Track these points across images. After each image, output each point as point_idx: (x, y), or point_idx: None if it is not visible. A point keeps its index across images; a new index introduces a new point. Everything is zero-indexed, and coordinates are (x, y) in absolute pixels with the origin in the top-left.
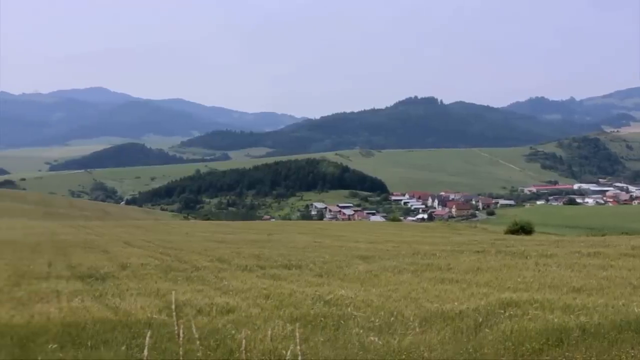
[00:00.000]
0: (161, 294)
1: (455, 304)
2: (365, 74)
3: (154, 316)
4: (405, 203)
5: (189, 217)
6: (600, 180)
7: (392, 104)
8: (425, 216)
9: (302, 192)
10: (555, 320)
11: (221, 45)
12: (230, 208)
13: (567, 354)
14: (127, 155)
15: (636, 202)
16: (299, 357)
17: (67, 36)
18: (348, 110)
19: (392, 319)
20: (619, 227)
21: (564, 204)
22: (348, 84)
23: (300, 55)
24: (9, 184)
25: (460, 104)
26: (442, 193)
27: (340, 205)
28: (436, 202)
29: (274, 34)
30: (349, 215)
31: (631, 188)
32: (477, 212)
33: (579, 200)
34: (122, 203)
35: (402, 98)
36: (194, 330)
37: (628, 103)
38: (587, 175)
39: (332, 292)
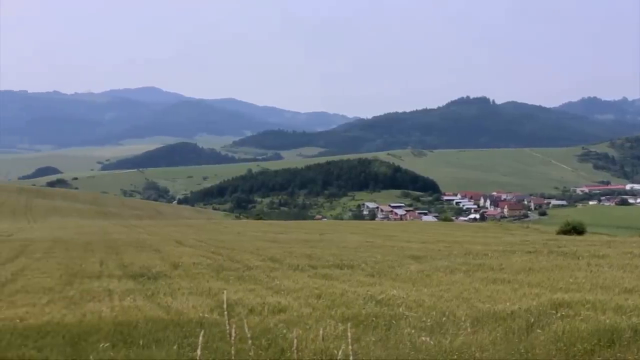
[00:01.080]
0: (213, 293)
1: (507, 304)
2: (418, 74)
3: (206, 315)
4: (457, 203)
5: (241, 216)
6: None
7: (444, 103)
8: (477, 216)
9: (354, 191)
10: (607, 321)
11: (274, 46)
12: (282, 208)
13: (618, 354)
14: (180, 154)
15: None
16: (351, 357)
17: (123, 39)
18: (400, 110)
19: (444, 319)
20: None
21: (616, 204)
22: (400, 83)
23: (352, 55)
24: (61, 183)
25: (513, 104)
26: (494, 193)
27: (392, 205)
28: (488, 202)
29: (327, 34)
30: (400, 215)
31: None
32: (529, 212)
33: (631, 201)
34: (174, 202)
35: (454, 98)
36: (247, 330)
37: None
38: None
39: (384, 292)
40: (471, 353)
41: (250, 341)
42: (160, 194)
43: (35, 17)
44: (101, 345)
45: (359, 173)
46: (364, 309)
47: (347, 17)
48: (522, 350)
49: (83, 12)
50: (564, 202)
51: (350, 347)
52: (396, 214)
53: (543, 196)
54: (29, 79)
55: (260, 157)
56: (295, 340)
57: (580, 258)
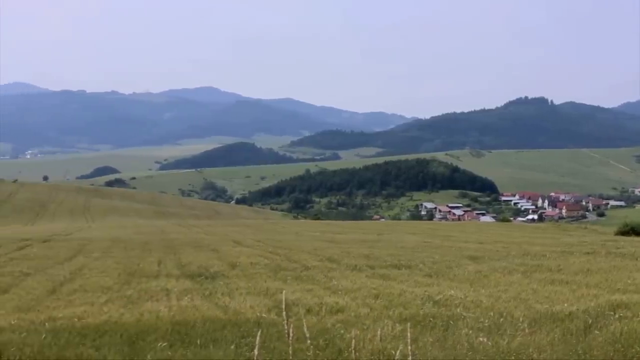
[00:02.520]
0: (270, 293)
1: (565, 305)
2: (476, 74)
3: (263, 315)
4: (515, 203)
5: (299, 216)
6: None
7: (502, 104)
8: (535, 217)
9: (412, 192)
10: None
11: (331, 46)
12: (340, 208)
13: None
14: (237, 154)
15: None
16: (409, 357)
17: (181, 39)
18: (458, 111)
19: (502, 319)
20: None
21: None
22: (458, 84)
23: (411, 56)
24: (119, 183)
25: (571, 104)
26: (552, 194)
27: (450, 205)
28: (546, 202)
29: (385, 35)
30: (458, 216)
31: None
32: (587, 213)
33: None
34: (232, 202)
35: (513, 98)
36: (305, 330)
37: None
38: None
39: (442, 293)
40: (529, 354)
41: (309, 341)
42: (218, 194)
43: (93, 17)
44: (159, 345)
45: (417, 173)
46: (421, 309)
47: (406, 19)
48: (580, 352)
49: (141, 13)
50: (622, 203)
51: (409, 347)
52: (454, 214)
53: (601, 197)
54: (88, 79)
55: (318, 157)
56: (353, 341)
57: (638, 259)
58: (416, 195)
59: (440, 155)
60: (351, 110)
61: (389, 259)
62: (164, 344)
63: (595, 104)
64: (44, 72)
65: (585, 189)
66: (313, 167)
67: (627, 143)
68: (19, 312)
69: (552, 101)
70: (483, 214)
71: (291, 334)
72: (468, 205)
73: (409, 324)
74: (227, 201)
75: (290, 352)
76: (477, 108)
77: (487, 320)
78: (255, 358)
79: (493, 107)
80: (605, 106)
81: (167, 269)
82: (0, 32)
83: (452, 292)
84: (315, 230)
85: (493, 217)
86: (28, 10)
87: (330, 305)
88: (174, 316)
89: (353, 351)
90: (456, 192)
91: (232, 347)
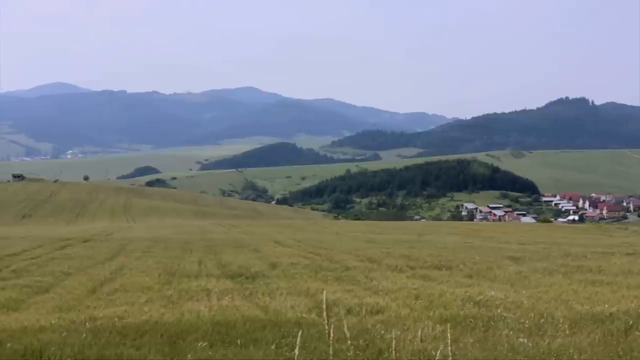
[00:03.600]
0: (311, 294)
1: (606, 306)
2: (517, 75)
3: (304, 315)
4: (556, 204)
5: (339, 217)
6: None
7: (543, 104)
8: (576, 217)
9: (453, 192)
10: None
11: (373, 46)
12: (380, 208)
13: None
14: (278, 154)
15: None
16: (450, 358)
17: (222, 38)
18: (499, 111)
19: (542, 320)
20: None
21: None
22: (499, 84)
23: (452, 56)
24: (160, 183)
25: (612, 104)
26: (593, 194)
27: (491, 206)
28: (587, 203)
29: (427, 35)
30: (499, 216)
31: None
32: (628, 214)
33: None
34: (272, 202)
35: (553, 99)
36: (346, 330)
37: None
38: None
39: (482, 293)
40: (569, 355)
41: (349, 341)
42: (259, 194)
43: (135, 17)
44: (199, 345)
45: (457, 174)
46: (462, 310)
47: (447, 19)
48: (621, 353)
49: (182, 13)
50: None
51: (449, 347)
52: (495, 214)
53: None
54: (129, 79)
55: (358, 158)
56: (393, 341)
57: None
58: (457, 195)
59: (481, 156)
60: (392, 110)
61: (430, 259)
62: (205, 343)
63: (637, 104)
64: (86, 72)
65: (626, 189)
66: (354, 168)
67: None
68: (59, 312)
69: (593, 102)
70: (524, 215)
71: (332, 335)
72: (509, 206)
73: (449, 325)
74: (268, 201)
75: (331, 352)
76: (518, 108)
77: (527, 321)
78: (295, 358)
79: (534, 107)
80: None
81: (208, 269)
82: (42, 33)
83: (493, 292)
84: (356, 230)
85: (534, 217)
86: (69, 11)
87: (370, 306)
88: (214, 316)
89: (393, 352)
90: (497, 192)
91: (273, 347)
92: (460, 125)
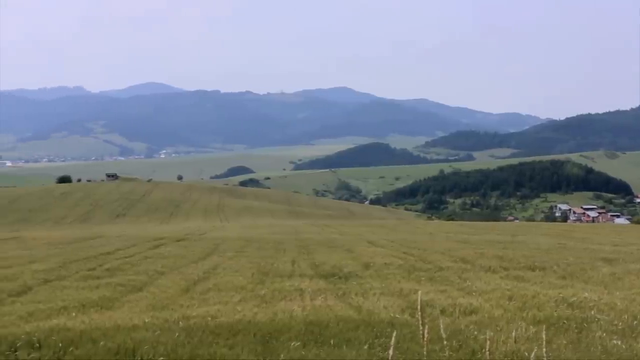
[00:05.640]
0: (404, 294)
1: None
2: (611, 75)
3: (397, 316)
4: None
5: (433, 217)
6: None
7: (637, 104)
8: None
9: (546, 193)
10: None
11: (466, 46)
12: (474, 209)
13: None
14: (372, 154)
15: None
16: (544, 359)
17: (315, 39)
18: (593, 111)
19: (636, 322)
20: None
21: None
22: (593, 84)
23: (546, 56)
24: (253, 182)
25: None
26: None
27: (584, 207)
28: None
29: (521, 35)
30: (593, 218)
31: None
32: None
33: None
34: (366, 202)
35: None
36: (442, 331)
37: None
38: None
39: (576, 295)
40: None
41: (445, 342)
42: (352, 194)
43: (228, 17)
44: (292, 344)
45: (551, 174)
46: (555, 311)
47: (540, 19)
48: None
49: (276, 13)
50: None
51: (543, 349)
52: (588, 216)
53: None
54: (222, 79)
55: (452, 158)
56: (487, 342)
57: None
58: (550, 196)
59: (575, 157)
60: (485, 110)
61: (523, 260)
62: (297, 343)
63: None
64: (179, 72)
65: None
66: (447, 168)
67: None
68: (153, 311)
69: None
70: (618, 216)
71: (426, 335)
72: (602, 207)
73: (543, 326)
74: (361, 201)
75: (425, 353)
76: (612, 109)
77: (621, 323)
78: (389, 358)
79: (627, 107)
80: None
81: (301, 268)
82: (136, 34)
83: (586, 294)
84: (449, 231)
85: (628, 219)
86: (163, 12)
87: (464, 307)
88: (307, 316)
89: (487, 352)
90: (590, 193)
91: (365, 347)
92: (553, 126)
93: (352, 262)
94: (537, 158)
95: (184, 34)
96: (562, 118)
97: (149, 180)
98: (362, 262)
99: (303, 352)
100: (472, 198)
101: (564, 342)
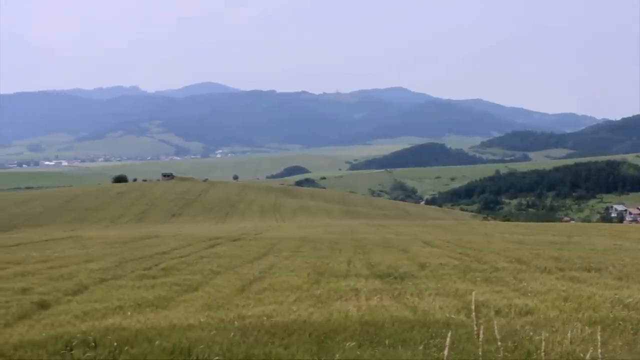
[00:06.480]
0: (459, 294)
1: None
2: None
3: (452, 316)
4: None
5: (488, 217)
6: None
7: None
8: None
9: (602, 194)
10: None
11: (522, 46)
12: (529, 209)
13: None
14: (427, 155)
15: None
16: None
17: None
18: None
19: None
20: None
21: None
22: None
23: (601, 56)
24: (309, 182)
25: None
26: None
27: None
28: None
29: (576, 35)
30: None
31: None
32: None
33: None
34: (421, 203)
35: None
36: (496, 332)
37: None
38: None
39: (632, 296)
40: None
41: (500, 342)
42: (408, 194)
43: (283, 17)
44: (347, 345)
45: (607, 175)
46: (611, 312)
47: (595, 18)
48: None
49: (332, 14)
50: None
51: (598, 350)
52: None
53: None
54: (278, 79)
55: (507, 158)
56: (542, 343)
57: None
58: (606, 197)
59: (631, 157)
60: (541, 111)
61: (579, 261)
62: (353, 343)
63: None
64: (235, 72)
65: None
66: (503, 168)
67: None
68: (208, 310)
69: None
70: None
71: (481, 335)
72: None
73: (598, 327)
74: (417, 202)
75: (480, 353)
76: None
77: None
78: (445, 359)
79: None
80: None
81: (357, 268)
82: (192, 34)
83: None
84: (505, 231)
85: None
86: (219, 12)
87: (519, 307)
88: (362, 316)
89: (542, 353)
90: None
91: (421, 347)
92: (609, 126)
93: (408, 262)
94: (593, 158)
95: (241, 34)
96: (619, 118)
97: (205, 180)
98: (417, 263)
99: (358, 352)
100: (527, 198)
101: (620, 343)
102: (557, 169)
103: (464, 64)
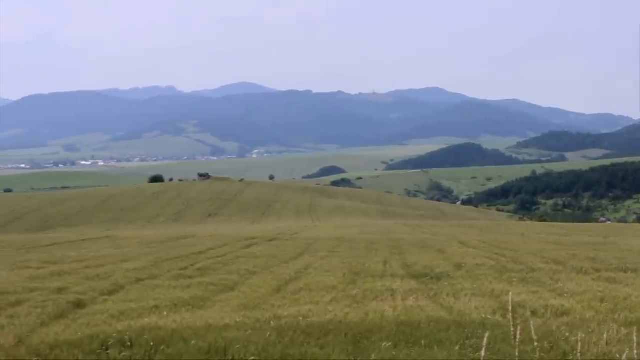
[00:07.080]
0: (496, 295)
1: None
2: None
3: (488, 317)
4: None
5: (525, 218)
6: None
7: None
8: None
9: (638, 194)
10: None
11: (558, 46)
12: (565, 210)
13: None
14: (463, 155)
15: None
16: None
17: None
18: None
19: None
20: None
21: None
22: None
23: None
24: (345, 182)
25: None
26: None
27: None
28: None
29: (612, 35)
30: None
31: None
32: None
33: None
34: (457, 203)
35: None
36: (533, 332)
37: None
38: None
39: None
40: None
41: (536, 343)
42: (444, 195)
43: (320, 17)
44: (383, 345)
45: None
46: None
47: (630, 18)
48: None
49: (367, 14)
50: None
51: (634, 351)
52: None
53: None
54: (314, 79)
55: (544, 159)
56: (579, 344)
57: None
58: None
59: None
60: (578, 111)
61: (615, 262)
62: (389, 343)
63: None
64: (271, 72)
65: None
66: (539, 169)
67: None
68: (244, 310)
69: None
70: None
71: (517, 336)
72: None
73: (634, 328)
74: (453, 202)
75: (517, 354)
76: None
77: None
78: (481, 359)
79: None
80: None
81: (393, 269)
82: (228, 34)
83: None
84: (541, 232)
85: None
86: (255, 12)
87: (555, 308)
88: (398, 316)
89: (578, 354)
90: None
91: (457, 348)
92: None
93: (444, 262)
94: (629, 159)
95: (276, 34)
96: None
97: (241, 180)
98: (453, 263)
99: (394, 353)
100: (564, 199)
101: None
102: (593, 170)
103: (500, 63)
